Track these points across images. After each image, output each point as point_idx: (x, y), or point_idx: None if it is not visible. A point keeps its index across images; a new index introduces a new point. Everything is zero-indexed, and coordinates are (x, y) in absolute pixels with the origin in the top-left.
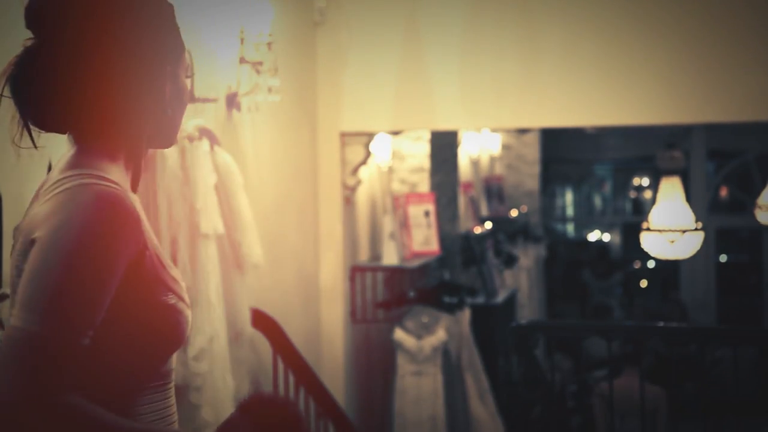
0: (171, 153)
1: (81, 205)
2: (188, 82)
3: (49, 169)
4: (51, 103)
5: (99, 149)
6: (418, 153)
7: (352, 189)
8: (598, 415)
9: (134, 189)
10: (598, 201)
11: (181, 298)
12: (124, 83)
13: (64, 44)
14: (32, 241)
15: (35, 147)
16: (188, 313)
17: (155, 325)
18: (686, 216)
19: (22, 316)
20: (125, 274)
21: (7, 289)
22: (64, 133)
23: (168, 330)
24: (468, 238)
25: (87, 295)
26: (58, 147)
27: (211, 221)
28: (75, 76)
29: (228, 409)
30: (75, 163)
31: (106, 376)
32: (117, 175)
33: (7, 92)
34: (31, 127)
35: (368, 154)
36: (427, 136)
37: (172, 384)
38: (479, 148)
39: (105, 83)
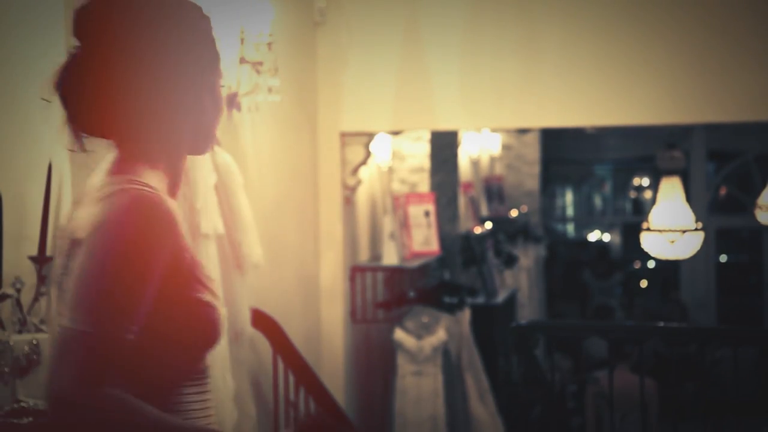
0: None
1: (120, 209)
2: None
3: (50, 169)
4: (93, 108)
5: (139, 155)
6: (418, 153)
7: (352, 189)
8: (590, 408)
9: (173, 194)
10: (598, 201)
11: (215, 296)
12: (164, 92)
13: (107, 53)
14: (76, 243)
15: (84, 150)
16: (223, 310)
17: (193, 322)
18: (686, 216)
19: (70, 317)
20: (164, 273)
21: (7, 290)
22: (108, 138)
23: (205, 326)
24: (468, 238)
25: (129, 294)
26: (58, 148)
27: (211, 221)
28: (117, 84)
29: (228, 409)
30: (117, 169)
31: (148, 370)
32: (155, 180)
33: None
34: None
35: (368, 154)
36: (427, 136)
37: (209, 380)
38: (479, 148)
39: (146, 92)
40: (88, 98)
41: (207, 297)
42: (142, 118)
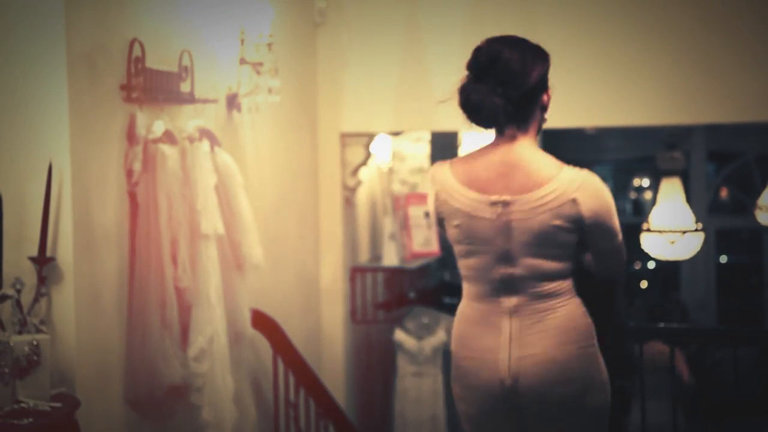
0: (171, 153)
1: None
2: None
3: (50, 169)
4: (485, 111)
5: (524, 139)
6: (419, 154)
7: (353, 190)
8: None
9: None
10: None
11: None
12: (534, 100)
13: (492, 79)
14: (590, 216)
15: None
16: None
17: None
18: (686, 217)
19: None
20: None
21: (7, 291)
22: (490, 128)
23: None
24: None
25: None
26: (57, 149)
27: (212, 222)
28: (513, 99)
29: (228, 410)
30: (545, 156)
31: None
32: None
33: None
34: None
35: (368, 154)
36: (428, 136)
37: None
38: None
39: (528, 99)
40: (480, 105)
41: None
42: (530, 117)
